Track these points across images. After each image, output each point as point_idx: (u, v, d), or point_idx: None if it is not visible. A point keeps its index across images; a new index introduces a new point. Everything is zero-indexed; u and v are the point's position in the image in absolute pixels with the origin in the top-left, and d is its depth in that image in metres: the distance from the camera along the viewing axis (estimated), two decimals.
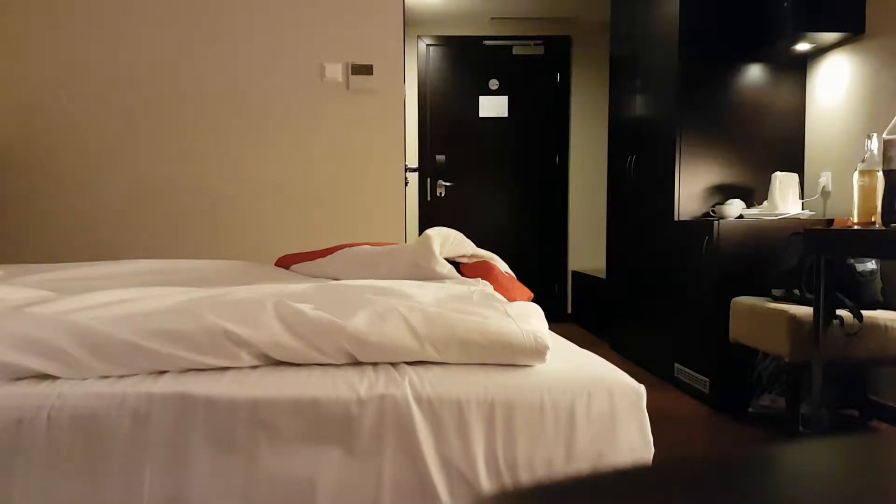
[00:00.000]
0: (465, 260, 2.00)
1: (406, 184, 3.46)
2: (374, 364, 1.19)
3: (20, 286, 1.61)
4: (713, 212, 3.24)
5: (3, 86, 3.20)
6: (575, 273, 5.43)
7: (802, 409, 2.56)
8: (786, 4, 2.90)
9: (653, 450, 1.17)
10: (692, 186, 3.30)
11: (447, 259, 1.92)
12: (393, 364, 1.19)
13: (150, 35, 3.25)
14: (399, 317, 1.20)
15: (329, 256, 2.23)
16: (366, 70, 3.32)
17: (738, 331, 2.79)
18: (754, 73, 3.28)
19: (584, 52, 5.46)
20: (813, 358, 2.36)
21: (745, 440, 2.62)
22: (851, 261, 2.56)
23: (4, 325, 1.14)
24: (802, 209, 3.11)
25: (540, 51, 5.48)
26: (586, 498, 0.37)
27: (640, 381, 1.19)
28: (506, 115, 5.45)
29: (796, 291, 2.62)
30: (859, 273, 2.57)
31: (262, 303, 1.24)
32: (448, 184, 5.41)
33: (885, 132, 2.18)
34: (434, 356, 1.18)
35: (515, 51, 5.46)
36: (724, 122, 3.29)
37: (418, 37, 5.40)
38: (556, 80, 5.49)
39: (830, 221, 2.92)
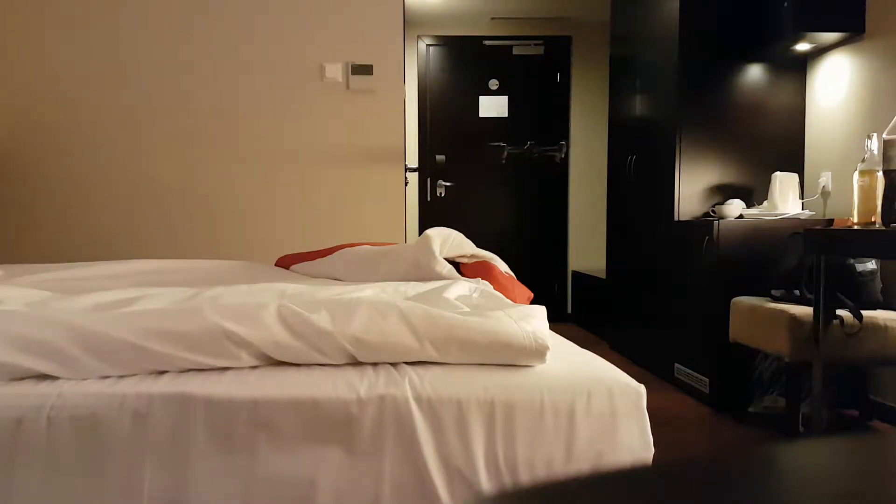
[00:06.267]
0: (465, 260, 2.00)
1: (406, 184, 3.46)
2: (374, 364, 1.19)
3: (20, 286, 1.61)
4: (713, 212, 3.24)
5: (3, 86, 3.20)
6: (575, 273, 5.43)
7: (802, 409, 2.56)
8: (786, 4, 2.90)
9: (653, 450, 1.17)
10: (692, 186, 3.30)
11: (447, 259, 1.92)
12: (393, 364, 1.19)
13: (149, 35, 3.25)
14: (399, 316, 1.20)
15: (329, 256, 2.23)
16: (366, 70, 3.32)
17: (738, 331, 2.79)
18: (754, 73, 3.28)
19: (584, 52, 5.45)
20: (813, 358, 2.36)
21: (745, 440, 2.62)
22: (851, 261, 2.56)
23: (4, 326, 1.14)
24: (802, 209, 3.11)
25: (540, 51, 5.48)
26: (586, 498, 0.37)
27: (640, 381, 1.19)
28: (506, 115, 5.45)
29: (796, 291, 2.62)
30: (859, 273, 2.57)
31: (262, 303, 1.24)
32: (448, 184, 5.41)
33: (885, 132, 2.18)
34: (434, 356, 1.18)
35: (515, 51, 5.46)
36: (724, 122, 3.29)
37: (418, 37, 5.40)
38: (556, 80, 5.49)
39: (830, 221, 2.92)
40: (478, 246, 2.06)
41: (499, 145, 4.54)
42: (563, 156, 5.33)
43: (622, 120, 4.12)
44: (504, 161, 5.23)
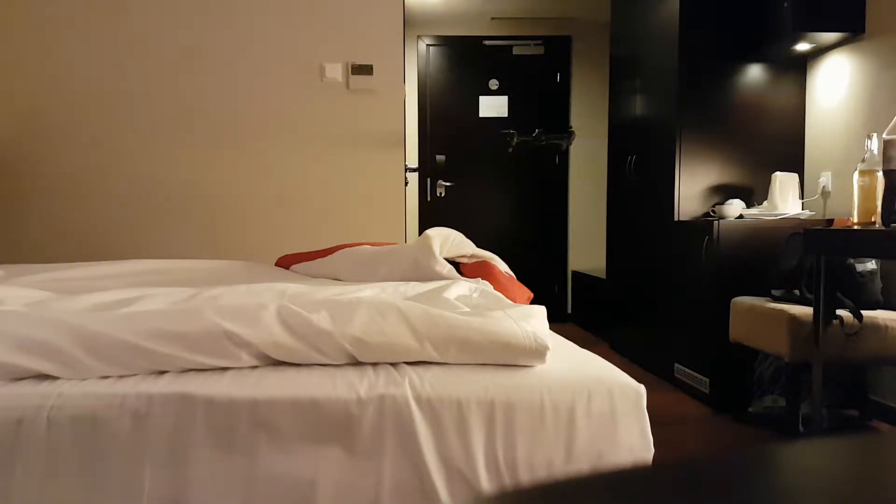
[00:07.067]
0: (465, 260, 2.00)
1: (406, 184, 3.46)
2: (374, 364, 1.19)
3: (20, 286, 1.61)
4: (713, 212, 3.24)
5: (3, 86, 3.20)
6: (575, 273, 5.43)
7: (802, 409, 2.56)
8: (786, 4, 2.90)
9: (653, 450, 1.17)
10: (692, 186, 3.30)
11: (447, 259, 1.92)
12: (393, 364, 1.19)
13: (149, 36, 3.25)
14: (399, 316, 1.19)
15: (329, 256, 2.23)
16: (366, 70, 3.32)
17: (738, 331, 2.79)
18: (754, 73, 3.28)
19: (584, 52, 5.45)
20: (813, 358, 2.36)
21: (745, 440, 2.62)
22: (851, 261, 2.56)
23: (4, 326, 1.14)
24: (802, 209, 3.11)
25: (540, 51, 5.48)
26: (586, 498, 0.37)
27: (640, 381, 1.19)
28: (506, 115, 5.45)
29: (796, 291, 2.62)
30: (859, 273, 2.57)
31: (262, 303, 1.24)
32: (448, 184, 5.41)
33: (885, 132, 2.18)
34: (434, 356, 1.18)
35: (515, 51, 5.46)
36: (724, 122, 3.29)
37: (418, 37, 5.39)
38: (556, 80, 5.49)
39: (830, 221, 2.92)
40: (478, 246, 2.06)
41: (509, 132, 4.50)
42: (570, 143, 5.28)
43: (622, 120, 4.12)
44: (512, 150, 5.20)
